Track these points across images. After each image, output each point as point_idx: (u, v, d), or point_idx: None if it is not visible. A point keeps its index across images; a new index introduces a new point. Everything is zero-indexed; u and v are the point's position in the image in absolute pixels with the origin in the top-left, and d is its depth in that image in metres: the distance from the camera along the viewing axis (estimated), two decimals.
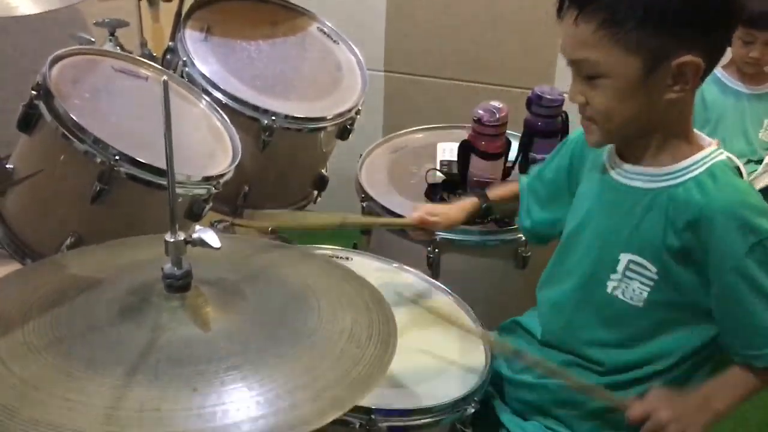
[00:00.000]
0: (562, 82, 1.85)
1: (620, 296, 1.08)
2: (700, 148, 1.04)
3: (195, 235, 0.86)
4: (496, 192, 1.41)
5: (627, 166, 1.07)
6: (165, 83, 0.79)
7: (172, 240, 0.85)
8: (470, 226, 1.56)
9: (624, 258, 1.07)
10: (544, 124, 1.65)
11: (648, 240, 1.04)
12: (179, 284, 0.86)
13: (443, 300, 1.35)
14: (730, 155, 1.06)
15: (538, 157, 1.66)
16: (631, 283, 1.07)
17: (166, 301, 0.85)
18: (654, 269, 1.04)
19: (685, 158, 1.02)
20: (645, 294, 1.06)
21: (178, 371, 0.76)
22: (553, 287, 1.19)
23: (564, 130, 1.67)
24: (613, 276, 1.08)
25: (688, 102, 1.03)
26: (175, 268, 0.86)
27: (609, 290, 1.09)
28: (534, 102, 1.65)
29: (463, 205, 1.39)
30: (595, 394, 1.10)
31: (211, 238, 0.86)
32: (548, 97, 1.66)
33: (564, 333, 1.16)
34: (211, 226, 1.64)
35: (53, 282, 0.94)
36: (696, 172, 1.01)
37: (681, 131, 1.04)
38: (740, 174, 1.14)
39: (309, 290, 0.95)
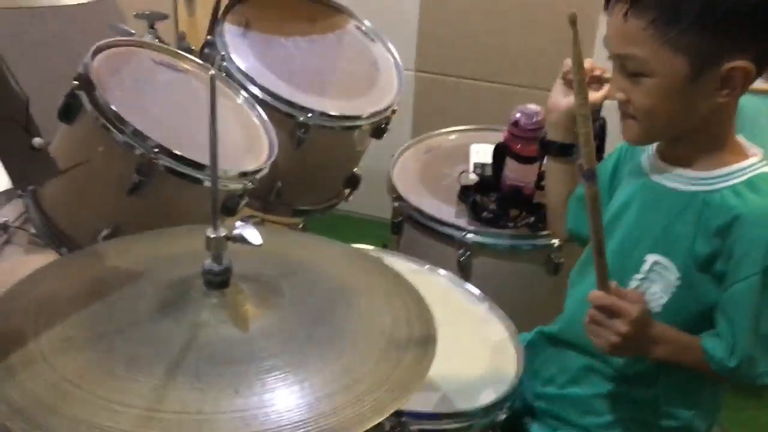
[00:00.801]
0: None
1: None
2: (744, 156, 1.02)
3: (236, 232, 0.86)
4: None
5: (666, 167, 1.06)
6: (212, 78, 0.79)
7: (213, 236, 0.84)
8: (502, 230, 1.55)
9: (650, 258, 1.05)
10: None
11: (676, 242, 1.03)
12: (219, 280, 0.86)
13: (473, 303, 1.34)
14: None
15: None
16: (652, 285, 1.06)
17: (206, 298, 0.85)
18: (677, 274, 1.03)
19: (726, 165, 1.01)
20: (664, 300, 1.05)
21: (218, 372, 0.76)
22: (580, 282, 1.18)
23: (601, 136, 1.65)
24: (636, 276, 1.07)
25: (732, 108, 1.01)
26: (215, 264, 0.85)
27: (632, 288, 1.07)
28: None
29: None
30: None
31: (253, 235, 0.86)
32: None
33: (579, 328, 1.15)
34: (242, 221, 1.64)
35: (93, 273, 0.94)
36: (735, 181, 1.00)
37: (723, 137, 1.02)
38: None
39: (347, 287, 0.95)
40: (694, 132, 1.02)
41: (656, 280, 1.05)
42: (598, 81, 1.20)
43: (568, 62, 1.22)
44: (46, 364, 0.76)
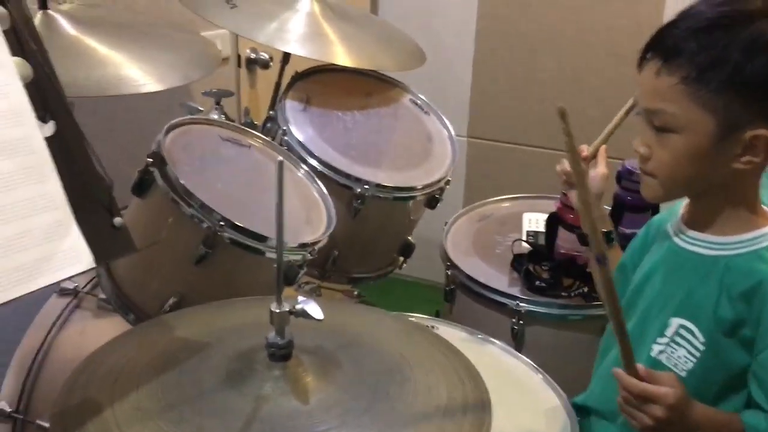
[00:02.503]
0: None
1: (664, 361, 1.07)
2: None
3: (298, 307, 0.90)
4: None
5: (690, 232, 1.07)
6: (280, 164, 0.84)
7: (277, 311, 0.89)
8: (555, 299, 1.56)
9: (674, 322, 1.06)
10: (634, 199, 1.63)
11: (700, 307, 1.03)
12: (282, 353, 0.89)
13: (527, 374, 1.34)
14: None
15: (627, 231, 1.64)
16: (678, 349, 1.06)
17: (269, 370, 0.89)
18: (702, 339, 1.02)
19: (751, 230, 1.02)
20: (690, 365, 1.04)
21: None
22: (607, 353, 1.18)
23: (654, 206, 1.65)
24: (660, 340, 1.08)
25: (755, 175, 1.02)
26: (279, 338, 0.89)
27: (654, 354, 1.08)
28: (624, 176, 1.64)
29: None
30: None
31: (315, 310, 0.89)
32: (638, 172, 1.65)
33: (609, 398, 1.14)
34: (299, 287, 1.69)
35: (163, 343, 0.99)
36: (760, 246, 1.00)
37: (745, 203, 1.03)
38: None
39: (403, 359, 0.97)
40: (714, 196, 1.03)
41: (681, 344, 1.05)
42: (594, 157, 1.26)
43: (560, 167, 1.28)
44: None
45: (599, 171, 1.27)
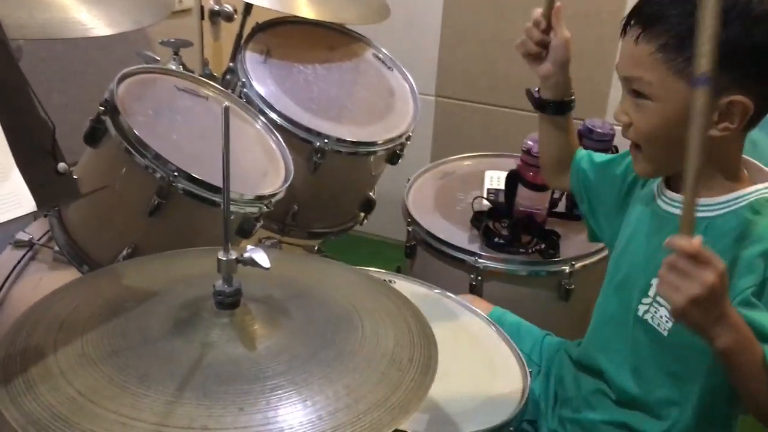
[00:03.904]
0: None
1: (649, 320, 1.09)
2: (750, 184, 1.03)
3: (246, 255, 0.89)
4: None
5: (671, 194, 1.09)
6: (226, 109, 0.83)
7: (224, 258, 0.88)
8: (514, 255, 1.57)
9: (655, 282, 1.06)
10: None
11: None
12: (229, 301, 0.89)
13: (481, 327, 1.36)
14: None
15: None
16: (660, 309, 1.07)
17: (216, 318, 0.88)
18: None
19: (730, 192, 1.03)
20: (670, 324, 1.06)
21: (224, 389, 0.78)
22: (599, 309, 1.20)
23: None
24: (644, 300, 1.09)
25: (735, 142, 1.03)
26: (226, 286, 0.89)
27: (640, 313, 1.10)
28: (585, 135, 1.66)
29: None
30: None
31: (262, 258, 0.89)
32: (599, 130, 1.66)
33: (596, 352, 1.18)
34: (259, 242, 1.68)
35: (111, 292, 0.98)
36: (737, 206, 1.02)
37: (726, 167, 1.04)
38: None
39: (353, 309, 0.97)
40: None
41: (663, 304, 1.06)
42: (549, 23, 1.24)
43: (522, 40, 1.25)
44: (62, 378, 0.79)
45: (561, 37, 1.24)
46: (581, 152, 1.32)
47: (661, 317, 1.07)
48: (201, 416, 0.75)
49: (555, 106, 1.29)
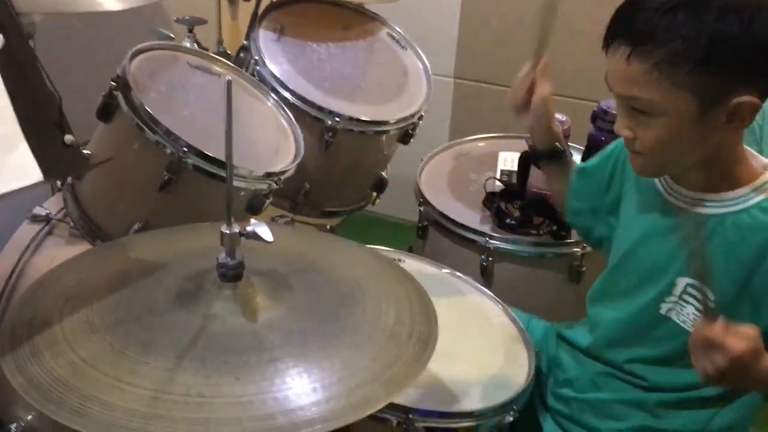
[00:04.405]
0: None
1: (674, 318, 1.08)
2: (759, 172, 1.02)
3: (249, 228, 0.90)
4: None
5: (685, 192, 1.06)
6: (228, 83, 0.84)
7: (227, 232, 0.89)
8: (525, 237, 1.57)
9: (681, 282, 1.06)
10: (608, 139, 1.62)
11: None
12: (232, 274, 0.90)
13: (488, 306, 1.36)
14: None
15: None
16: (686, 306, 1.06)
17: (219, 290, 0.90)
18: (712, 297, 1.00)
19: (745, 184, 1.01)
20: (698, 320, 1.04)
21: (224, 360, 0.80)
22: (607, 305, 1.19)
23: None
24: (668, 299, 1.08)
25: (740, 133, 1.01)
26: (229, 259, 0.90)
27: (663, 311, 1.08)
28: (599, 116, 1.64)
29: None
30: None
31: (265, 232, 0.90)
32: (613, 112, 1.63)
33: (611, 348, 1.17)
34: (272, 220, 1.70)
35: (119, 264, 1.00)
36: (760, 198, 1.00)
37: (735, 159, 1.02)
38: None
39: (357, 286, 0.98)
40: (705, 162, 1.02)
41: (690, 301, 1.05)
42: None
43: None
44: (66, 345, 0.81)
45: (539, 94, 1.26)
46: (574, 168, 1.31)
47: (688, 314, 1.05)
48: (198, 384, 0.77)
49: (547, 155, 1.31)
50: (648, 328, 1.11)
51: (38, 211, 1.53)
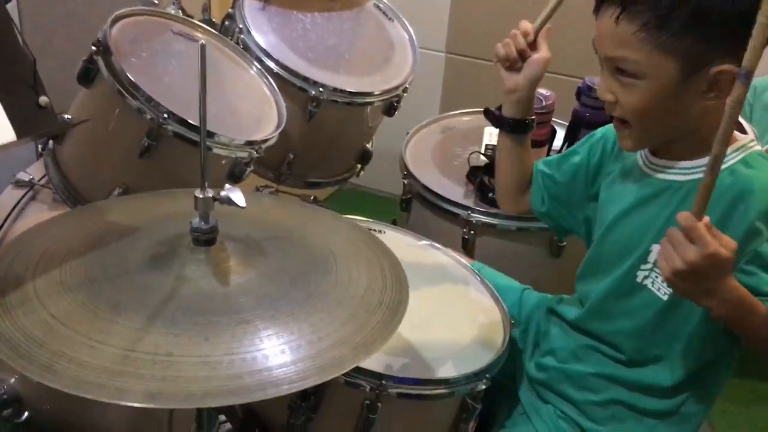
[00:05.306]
0: None
1: (649, 286, 1.09)
2: (735, 140, 1.03)
3: (223, 194, 0.91)
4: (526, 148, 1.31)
5: (663, 162, 1.08)
6: (202, 47, 0.84)
7: (201, 196, 0.90)
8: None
9: (655, 248, 1.07)
10: (592, 115, 1.63)
11: None
12: (205, 238, 0.91)
13: (466, 278, 1.38)
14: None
15: None
16: (660, 275, 1.07)
17: (192, 254, 0.91)
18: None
19: None
20: (671, 288, 1.05)
21: (193, 321, 0.81)
22: (592, 280, 1.20)
23: (611, 122, 1.66)
24: (643, 266, 1.09)
25: (721, 108, 1.01)
26: (203, 223, 0.91)
27: (639, 279, 1.10)
28: (583, 92, 1.64)
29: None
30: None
31: (238, 197, 0.91)
32: (598, 88, 1.64)
33: (595, 320, 1.19)
34: (257, 190, 1.70)
35: (94, 227, 1.01)
36: (730, 163, 1.01)
37: (711, 131, 1.03)
38: None
39: (331, 254, 0.99)
40: (687, 132, 1.03)
41: None
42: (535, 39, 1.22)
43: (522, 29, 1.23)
44: (38, 303, 0.82)
45: (541, 54, 1.23)
46: (537, 164, 1.30)
47: (662, 282, 1.07)
48: (167, 344, 0.78)
49: (514, 124, 1.27)
50: (627, 297, 1.13)
51: (22, 176, 1.53)
